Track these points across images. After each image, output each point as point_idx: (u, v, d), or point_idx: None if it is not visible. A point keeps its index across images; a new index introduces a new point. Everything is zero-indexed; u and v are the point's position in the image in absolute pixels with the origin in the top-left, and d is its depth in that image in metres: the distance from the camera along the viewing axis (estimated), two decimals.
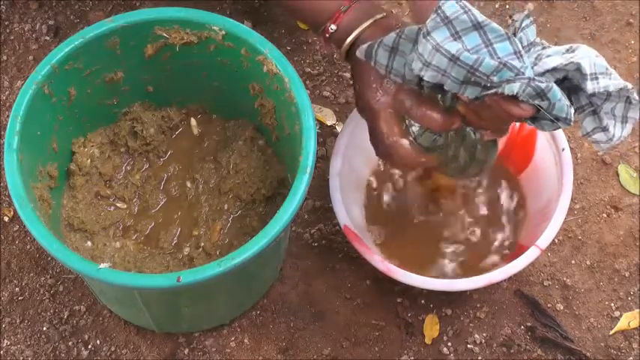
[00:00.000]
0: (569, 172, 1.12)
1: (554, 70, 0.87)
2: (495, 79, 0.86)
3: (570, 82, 0.88)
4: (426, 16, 0.91)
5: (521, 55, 0.87)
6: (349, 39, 0.99)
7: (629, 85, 0.88)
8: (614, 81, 0.88)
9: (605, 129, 0.89)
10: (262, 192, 1.14)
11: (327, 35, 1.01)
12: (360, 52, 0.96)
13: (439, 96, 0.95)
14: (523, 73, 0.86)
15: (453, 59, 0.86)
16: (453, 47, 0.86)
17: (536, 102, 0.85)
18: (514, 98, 0.86)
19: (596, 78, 0.87)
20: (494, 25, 0.88)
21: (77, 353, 1.16)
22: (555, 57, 0.88)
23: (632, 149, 1.29)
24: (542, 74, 0.87)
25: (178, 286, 0.94)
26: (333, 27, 1.01)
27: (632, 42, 1.37)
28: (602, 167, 1.28)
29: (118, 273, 0.99)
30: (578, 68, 0.86)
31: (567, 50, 0.89)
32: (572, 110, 0.87)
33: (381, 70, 0.95)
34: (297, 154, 1.01)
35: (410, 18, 1.37)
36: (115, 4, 1.38)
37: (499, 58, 0.86)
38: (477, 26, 0.87)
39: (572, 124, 0.88)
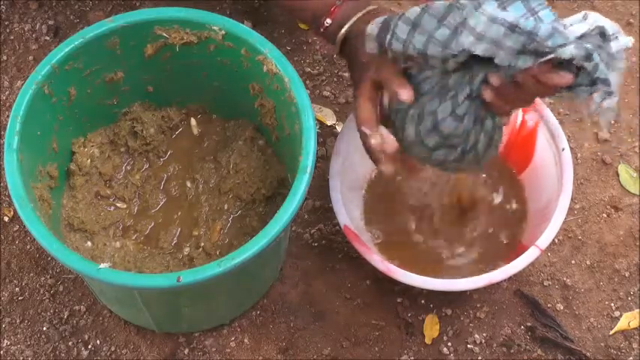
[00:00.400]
0: (569, 172, 1.12)
1: (582, 37, 0.87)
2: (550, 44, 0.85)
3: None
4: None
5: (559, 22, 0.88)
6: (343, 30, 1.01)
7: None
8: (627, 37, 0.88)
9: (611, 94, 0.88)
10: (262, 192, 1.14)
11: (322, 30, 1.02)
12: (375, 25, 0.94)
13: (459, 81, 0.94)
14: (568, 37, 0.86)
15: (512, 27, 0.86)
16: (509, 16, 0.87)
17: (584, 63, 0.85)
18: (558, 66, 0.86)
19: (617, 37, 0.87)
20: None
21: (77, 353, 1.16)
22: (578, 25, 0.88)
23: (632, 149, 1.29)
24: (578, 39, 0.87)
25: (178, 286, 0.94)
26: (329, 21, 1.02)
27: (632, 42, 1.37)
28: (602, 167, 1.28)
29: (118, 273, 0.99)
30: (602, 32, 0.86)
31: (583, 17, 0.89)
32: (610, 74, 0.87)
33: (398, 45, 0.93)
34: (297, 154, 1.01)
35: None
36: (115, 4, 1.38)
37: (550, 24, 0.86)
38: None
39: (612, 87, 0.87)
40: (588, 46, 0.85)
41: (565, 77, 0.86)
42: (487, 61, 0.90)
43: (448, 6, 0.92)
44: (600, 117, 0.90)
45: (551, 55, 0.86)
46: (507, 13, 0.87)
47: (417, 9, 0.93)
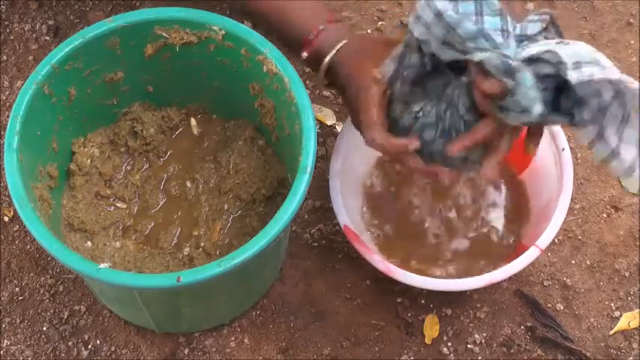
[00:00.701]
0: (569, 172, 1.12)
1: (534, 59, 0.85)
2: (471, 45, 0.86)
3: (575, 94, 0.85)
4: None
5: (508, 36, 0.87)
6: (326, 60, 1.01)
7: (634, 85, 0.83)
8: (606, 72, 0.84)
9: (615, 154, 0.85)
10: (262, 192, 1.14)
11: (303, 58, 1.03)
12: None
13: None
14: (498, 48, 0.85)
15: (438, 15, 0.87)
16: (442, 4, 0.87)
17: (503, 78, 0.84)
18: (487, 72, 0.85)
19: (579, 67, 0.83)
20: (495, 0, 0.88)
21: (77, 353, 1.16)
22: (537, 46, 0.87)
23: None
24: (525, 62, 0.86)
25: (178, 286, 0.94)
26: (305, 54, 1.03)
27: (632, 42, 1.37)
28: (602, 167, 1.28)
29: (118, 273, 0.99)
30: (558, 58, 0.84)
31: (559, 42, 0.87)
32: (540, 107, 0.85)
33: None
34: (297, 154, 1.01)
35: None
36: (115, 4, 1.38)
37: (482, 27, 0.86)
38: None
39: (534, 119, 0.85)
40: (513, 63, 0.83)
41: (492, 85, 0.85)
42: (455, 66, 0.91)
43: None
44: (621, 177, 0.89)
45: (466, 56, 0.86)
46: (445, 2, 0.87)
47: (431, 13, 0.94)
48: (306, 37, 1.02)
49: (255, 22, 1.20)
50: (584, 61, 0.84)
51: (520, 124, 0.89)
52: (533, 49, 0.86)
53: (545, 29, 0.90)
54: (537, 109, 0.85)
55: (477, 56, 0.85)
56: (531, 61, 0.86)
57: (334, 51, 1.01)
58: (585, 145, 1.28)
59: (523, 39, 0.89)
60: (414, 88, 0.95)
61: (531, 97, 0.85)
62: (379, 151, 0.98)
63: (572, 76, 0.83)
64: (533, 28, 0.90)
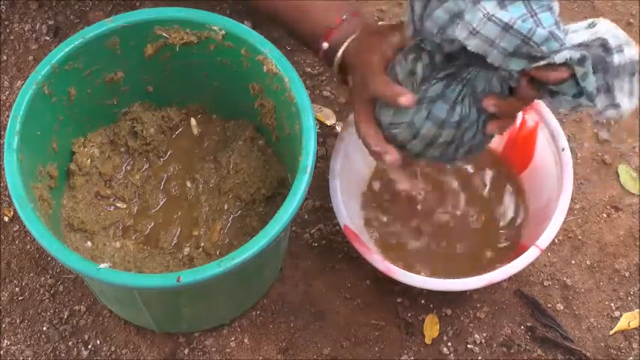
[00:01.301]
0: (569, 172, 1.12)
1: (580, 45, 0.86)
2: (544, 49, 0.85)
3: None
4: None
5: (560, 27, 0.87)
6: (339, 54, 1.00)
7: None
8: (636, 49, 0.87)
9: (616, 106, 0.88)
10: (262, 192, 1.14)
11: (321, 54, 1.03)
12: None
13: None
14: (564, 44, 0.85)
15: (506, 28, 0.85)
16: (506, 16, 0.85)
17: (576, 67, 0.84)
18: (550, 66, 0.85)
19: (621, 50, 0.86)
20: None
21: (77, 353, 1.16)
22: (580, 32, 0.87)
23: (632, 149, 1.29)
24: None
25: (178, 286, 0.94)
26: (325, 45, 1.02)
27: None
28: (602, 167, 1.28)
29: (118, 273, 0.99)
30: (604, 44, 0.86)
31: (589, 25, 0.88)
32: (596, 90, 0.87)
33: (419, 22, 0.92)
34: (297, 154, 1.01)
35: None
36: (115, 4, 1.38)
37: (545, 28, 0.86)
38: None
39: (594, 101, 0.87)
40: (584, 52, 0.84)
41: (562, 72, 0.85)
42: (481, 58, 0.90)
43: None
44: (600, 116, 0.90)
45: (544, 62, 0.85)
46: (505, 12, 0.86)
47: None
48: (327, 28, 1.02)
49: (266, 20, 1.19)
50: (623, 42, 0.87)
51: (570, 108, 0.89)
52: (578, 37, 0.87)
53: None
54: (596, 90, 0.86)
55: (559, 58, 0.84)
56: (581, 46, 0.86)
57: (343, 48, 1.00)
58: (585, 145, 1.29)
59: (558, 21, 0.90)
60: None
61: (593, 80, 0.86)
62: (363, 141, 0.99)
63: (617, 59, 0.86)
64: (556, 9, 0.90)
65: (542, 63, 0.85)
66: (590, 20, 0.89)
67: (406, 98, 0.93)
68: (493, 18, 0.86)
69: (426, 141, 0.96)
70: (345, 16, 1.01)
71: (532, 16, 0.87)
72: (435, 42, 0.91)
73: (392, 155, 0.97)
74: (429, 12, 0.90)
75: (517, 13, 0.86)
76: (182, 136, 1.20)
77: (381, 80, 0.95)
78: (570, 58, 0.84)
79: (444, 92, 0.93)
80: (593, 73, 0.87)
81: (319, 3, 1.04)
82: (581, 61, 0.84)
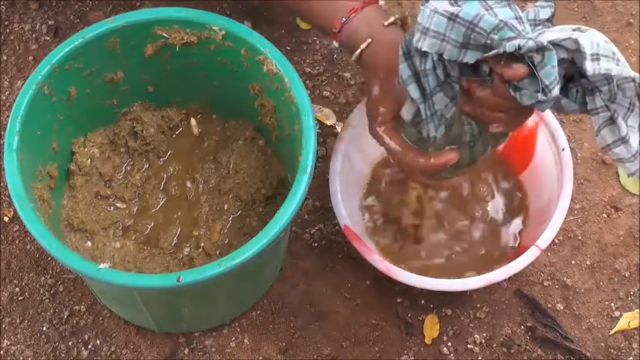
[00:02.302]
0: (569, 172, 1.12)
1: (552, 44, 0.84)
2: (496, 37, 0.84)
3: (586, 81, 0.86)
4: None
5: (522, 22, 0.86)
6: (358, 51, 0.98)
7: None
8: (621, 68, 0.85)
9: (625, 140, 0.87)
10: (262, 192, 1.14)
11: (337, 41, 1.01)
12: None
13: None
14: (520, 33, 0.84)
15: (452, 17, 0.84)
16: (451, 8, 0.85)
17: (534, 55, 0.82)
18: (509, 60, 0.84)
19: (598, 59, 0.84)
20: None
21: (77, 353, 1.16)
22: (556, 32, 0.86)
23: None
24: None
25: (178, 286, 0.94)
26: (336, 45, 1.01)
27: (632, 42, 1.37)
28: (602, 167, 1.28)
29: (118, 273, 0.99)
30: (577, 46, 0.84)
31: (574, 30, 0.87)
32: (558, 88, 0.84)
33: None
34: (297, 154, 1.01)
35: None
36: (115, 4, 1.38)
37: (499, 18, 0.85)
38: None
39: (550, 100, 0.85)
40: (544, 42, 0.82)
41: (517, 69, 0.84)
42: (466, 68, 0.89)
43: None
44: (616, 162, 0.89)
45: (495, 51, 0.83)
46: (457, 8, 0.85)
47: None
48: (331, 32, 1.00)
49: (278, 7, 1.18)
50: (602, 53, 0.85)
51: (534, 105, 0.87)
52: (552, 35, 0.85)
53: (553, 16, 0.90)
54: (556, 90, 0.85)
55: (509, 46, 0.82)
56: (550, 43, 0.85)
57: (359, 51, 0.98)
58: (585, 145, 1.29)
59: (538, 23, 0.89)
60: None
61: (553, 76, 0.84)
62: (408, 166, 0.98)
63: (589, 67, 0.84)
64: (544, 13, 0.89)
65: (492, 52, 0.84)
66: (578, 26, 0.87)
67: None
68: (439, 10, 0.85)
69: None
70: (343, 20, 0.99)
71: (487, 10, 0.86)
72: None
73: (450, 154, 0.96)
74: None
75: (472, 8, 0.85)
76: (182, 136, 1.20)
77: (393, 141, 0.96)
78: (520, 47, 0.82)
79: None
80: (588, 94, 0.86)
81: (322, 4, 1.02)
82: (539, 50, 0.82)
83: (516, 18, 0.86)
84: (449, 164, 0.96)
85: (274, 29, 1.36)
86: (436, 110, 0.92)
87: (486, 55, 0.85)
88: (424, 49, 0.87)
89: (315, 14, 1.02)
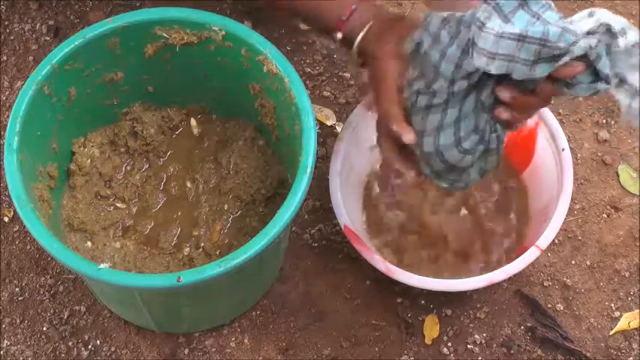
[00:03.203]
0: (569, 172, 1.12)
1: (587, 33, 0.86)
2: (562, 45, 0.85)
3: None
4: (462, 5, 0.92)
5: (564, 19, 0.87)
6: (354, 46, 0.99)
7: None
8: (636, 31, 0.87)
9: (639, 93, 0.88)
10: (262, 192, 1.14)
11: (338, 42, 1.01)
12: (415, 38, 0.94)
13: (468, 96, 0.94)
14: (577, 33, 0.85)
15: (521, 38, 0.85)
16: (515, 28, 0.86)
17: (590, 52, 0.85)
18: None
19: (625, 33, 0.86)
20: None
21: (77, 353, 1.16)
22: (583, 21, 0.87)
23: (632, 149, 1.29)
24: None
25: (178, 286, 0.94)
26: (339, 35, 1.01)
27: None
28: (602, 167, 1.28)
29: (118, 273, 0.99)
30: (609, 29, 0.85)
31: (589, 15, 0.88)
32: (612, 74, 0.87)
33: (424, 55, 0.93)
34: (297, 154, 1.01)
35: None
36: (115, 4, 1.38)
37: (555, 24, 0.86)
38: (522, 3, 0.87)
39: (605, 87, 0.87)
40: (596, 36, 0.85)
41: (578, 67, 0.86)
42: (502, 77, 0.89)
43: (457, 21, 0.91)
44: (631, 118, 0.90)
45: (568, 57, 0.85)
46: (512, 25, 0.86)
47: (437, 20, 0.93)
48: (339, 20, 1.00)
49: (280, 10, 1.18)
50: (625, 26, 0.87)
51: (593, 94, 0.88)
52: (584, 25, 0.87)
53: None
54: (611, 76, 0.87)
55: (577, 49, 0.84)
56: (589, 34, 0.86)
57: (362, 34, 0.99)
58: (585, 145, 1.29)
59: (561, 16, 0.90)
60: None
61: (608, 65, 0.86)
62: (384, 117, 0.98)
63: (622, 43, 0.86)
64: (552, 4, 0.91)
65: (566, 59, 0.85)
66: (588, 10, 0.88)
67: (409, 137, 0.94)
68: (504, 34, 0.86)
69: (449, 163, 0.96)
70: (354, 6, 1.00)
71: (538, 19, 0.87)
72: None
73: (410, 134, 0.95)
74: (435, 54, 0.91)
75: (523, 21, 0.87)
76: (182, 136, 1.20)
77: (393, 112, 0.96)
78: (590, 47, 0.84)
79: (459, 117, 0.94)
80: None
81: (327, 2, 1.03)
82: (597, 46, 0.85)
83: (560, 18, 0.87)
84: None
85: (274, 29, 1.36)
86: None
87: (558, 64, 0.86)
88: (493, 72, 0.88)
89: (322, 10, 1.02)
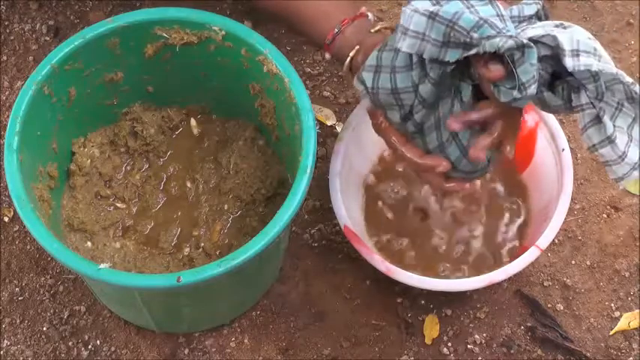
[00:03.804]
0: (569, 172, 1.12)
1: (534, 41, 0.84)
2: (476, 35, 0.83)
3: (573, 79, 0.85)
4: None
5: (504, 19, 0.85)
6: (346, 63, 0.99)
7: (627, 78, 0.84)
8: (603, 64, 0.84)
9: (611, 140, 0.86)
10: (262, 192, 1.14)
11: (328, 55, 1.02)
12: (356, 83, 0.95)
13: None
14: (501, 31, 0.83)
15: (432, 16, 0.84)
16: (431, 8, 0.85)
17: (515, 53, 0.82)
18: (489, 59, 0.83)
19: (577, 55, 0.83)
20: None
21: (77, 353, 1.16)
22: (537, 28, 0.85)
23: None
24: None
25: (178, 287, 0.94)
26: (327, 56, 1.02)
27: (632, 42, 1.37)
28: (602, 167, 1.28)
29: (118, 273, 0.99)
30: (556, 43, 0.83)
31: (557, 26, 0.86)
32: (535, 86, 0.84)
33: (371, 95, 0.93)
34: (297, 154, 1.01)
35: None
36: (115, 4, 1.38)
37: (479, 16, 0.84)
38: None
39: (526, 97, 0.84)
40: (524, 40, 0.82)
41: (494, 71, 0.84)
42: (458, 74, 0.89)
43: (392, 37, 0.91)
44: (604, 164, 0.88)
45: (475, 50, 0.83)
46: (434, 6, 0.85)
47: (374, 53, 0.92)
48: (324, 43, 1.01)
49: (268, 20, 1.18)
50: (583, 49, 0.84)
51: (511, 102, 0.86)
52: (532, 32, 0.85)
53: (542, 12, 0.89)
54: (533, 88, 0.84)
55: (489, 45, 0.82)
56: (530, 42, 0.85)
57: (348, 59, 0.99)
58: (585, 145, 1.29)
59: (522, 20, 0.88)
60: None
61: (531, 74, 0.83)
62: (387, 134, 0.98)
63: (569, 63, 0.83)
64: (529, 10, 0.89)
65: (472, 51, 0.83)
66: (561, 22, 0.87)
67: (444, 166, 0.95)
68: (419, 10, 0.85)
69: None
70: (336, 30, 1.00)
71: (468, 9, 0.85)
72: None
73: (442, 163, 0.95)
74: (385, 77, 0.91)
75: (452, 7, 0.85)
76: (182, 136, 1.20)
77: (412, 155, 0.96)
78: (500, 46, 0.81)
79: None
80: (573, 92, 0.86)
81: (312, 8, 1.02)
82: (519, 48, 0.82)
83: (498, 15, 0.85)
84: (437, 169, 0.96)
85: (274, 29, 1.36)
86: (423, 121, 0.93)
87: (467, 54, 0.84)
88: (404, 49, 0.87)
89: (308, 27, 1.03)
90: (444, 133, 0.94)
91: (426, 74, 0.89)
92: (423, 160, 0.96)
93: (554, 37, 0.84)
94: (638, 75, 1.34)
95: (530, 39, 0.84)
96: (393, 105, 0.94)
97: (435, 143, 0.95)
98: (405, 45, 0.86)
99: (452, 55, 0.85)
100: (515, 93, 0.84)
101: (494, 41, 0.82)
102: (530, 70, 0.83)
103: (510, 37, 0.83)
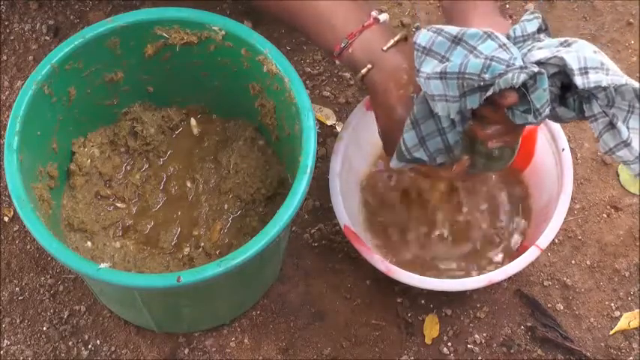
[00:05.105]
0: (569, 172, 1.12)
1: (539, 63, 0.85)
2: (487, 76, 0.84)
3: (582, 90, 0.86)
4: (456, 17, 0.93)
5: (508, 48, 0.86)
6: (360, 74, 0.98)
7: (636, 84, 0.86)
8: (612, 77, 0.85)
9: (627, 144, 0.87)
10: (262, 192, 1.14)
11: (339, 59, 1.01)
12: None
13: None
14: (513, 64, 0.85)
15: (442, 76, 0.86)
16: (439, 67, 0.86)
17: (529, 82, 0.84)
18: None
19: (586, 72, 0.84)
20: (471, 30, 0.87)
21: (77, 353, 1.16)
22: (544, 50, 0.87)
23: None
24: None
25: (178, 286, 0.94)
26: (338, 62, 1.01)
27: (632, 42, 1.37)
28: (602, 167, 1.28)
29: (118, 273, 0.99)
30: (564, 64, 0.84)
31: (561, 44, 0.87)
32: (549, 109, 0.86)
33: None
34: (297, 154, 1.01)
35: (421, 20, 1.37)
36: (115, 4, 1.38)
37: (484, 55, 0.86)
38: (456, 40, 0.87)
39: (539, 121, 0.87)
40: (534, 69, 0.84)
41: (508, 97, 0.85)
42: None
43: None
44: (622, 163, 0.89)
45: (492, 90, 0.84)
46: (450, 63, 0.86)
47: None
48: (332, 53, 1.00)
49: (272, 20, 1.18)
50: (590, 66, 0.85)
51: (524, 124, 0.89)
52: (540, 54, 0.86)
53: (543, 25, 0.90)
54: (547, 111, 0.86)
55: (503, 82, 0.83)
56: (539, 64, 0.86)
57: (359, 76, 0.98)
58: (585, 145, 1.29)
59: (526, 38, 0.89)
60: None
61: (545, 99, 0.85)
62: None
63: (579, 81, 0.85)
64: (531, 27, 0.90)
65: (490, 92, 0.85)
66: (565, 39, 0.88)
67: (465, 160, 0.97)
68: (430, 75, 0.87)
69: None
70: (342, 44, 0.98)
71: (472, 52, 0.86)
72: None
73: (462, 162, 0.97)
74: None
75: (459, 58, 0.87)
76: (182, 136, 1.20)
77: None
78: (515, 82, 0.83)
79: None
80: (585, 102, 0.87)
81: (321, 27, 1.01)
82: (533, 78, 0.84)
83: (501, 47, 0.87)
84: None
85: (274, 29, 1.36)
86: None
87: (485, 96, 0.86)
88: (440, 113, 0.89)
89: (315, 36, 1.02)
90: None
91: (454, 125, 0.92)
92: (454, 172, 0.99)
93: (561, 59, 0.85)
94: (638, 75, 1.34)
95: (538, 62, 0.85)
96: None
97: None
98: (439, 110, 0.89)
99: (472, 102, 0.87)
100: (531, 118, 0.86)
101: (507, 78, 0.84)
102: (543, 96, 0.85)
103: (521, 69, 0.84)
